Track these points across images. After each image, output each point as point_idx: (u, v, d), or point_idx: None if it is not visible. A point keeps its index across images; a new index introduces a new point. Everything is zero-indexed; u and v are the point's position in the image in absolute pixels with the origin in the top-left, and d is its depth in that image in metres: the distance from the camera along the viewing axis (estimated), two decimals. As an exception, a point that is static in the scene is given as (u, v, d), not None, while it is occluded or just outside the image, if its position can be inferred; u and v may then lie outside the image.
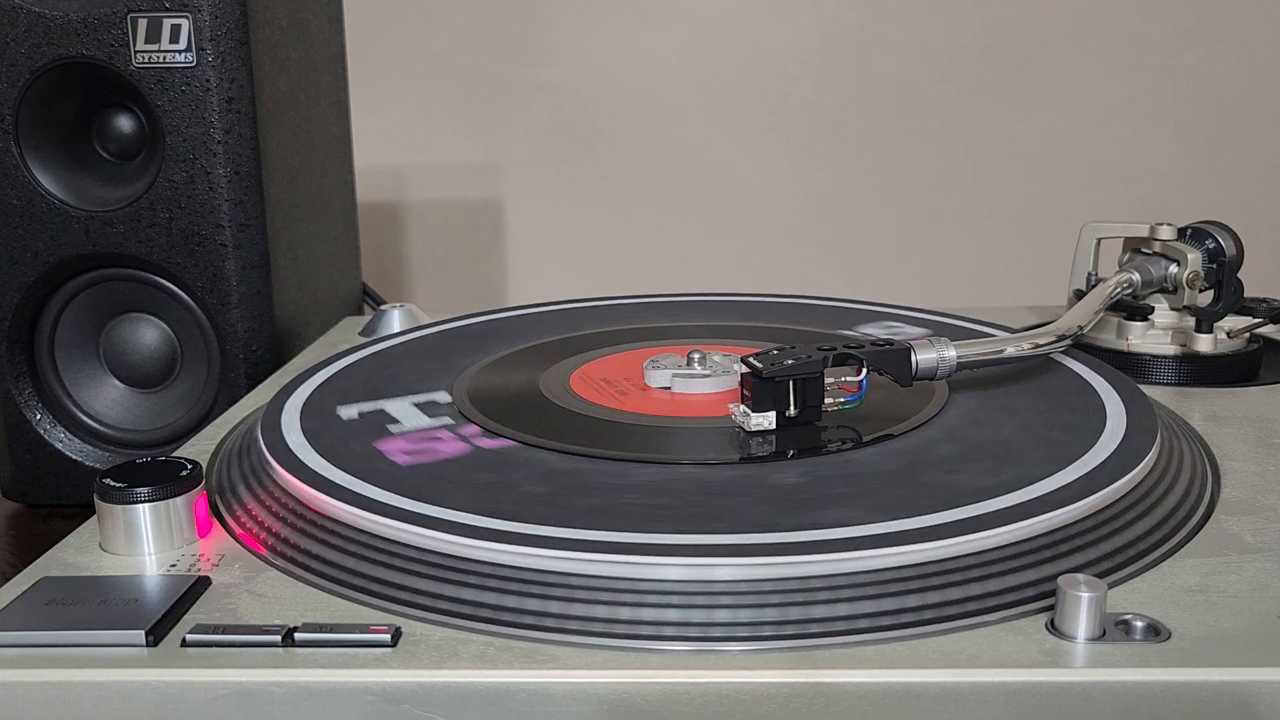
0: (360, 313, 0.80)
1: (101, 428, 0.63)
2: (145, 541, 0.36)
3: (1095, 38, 0.99)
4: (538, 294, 1.02)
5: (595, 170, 1.03)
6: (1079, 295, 0.59)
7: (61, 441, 0.63)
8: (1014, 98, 1.00)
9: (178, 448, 0.48)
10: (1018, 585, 0.31)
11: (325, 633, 0.30)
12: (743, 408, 0.42)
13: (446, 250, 1.06)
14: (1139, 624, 0.30)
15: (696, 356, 0.49)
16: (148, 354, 0.63)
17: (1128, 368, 0.53)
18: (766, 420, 0.42)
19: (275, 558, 0.35)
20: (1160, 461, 0.39)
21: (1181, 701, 0.27)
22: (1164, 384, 0.53)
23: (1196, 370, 0.54)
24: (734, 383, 0.47)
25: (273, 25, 0.62)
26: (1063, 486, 0.35)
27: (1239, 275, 0.55)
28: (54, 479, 0.63)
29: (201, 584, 0.33)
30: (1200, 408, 0.49)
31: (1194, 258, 0.54)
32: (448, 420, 0.45)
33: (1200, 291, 0.55)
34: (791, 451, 0.40)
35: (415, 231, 1.06)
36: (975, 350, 0.45)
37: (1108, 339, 0.56)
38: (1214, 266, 0.55)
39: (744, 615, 0.30)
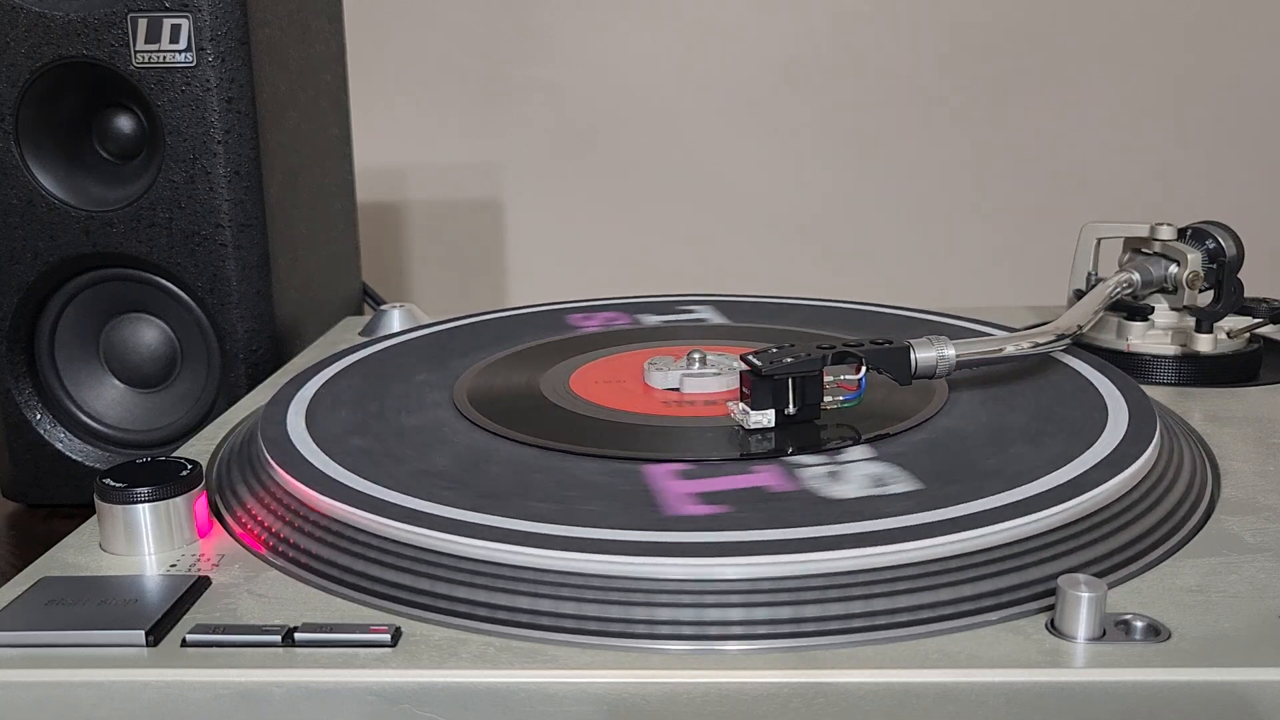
0: (360, 313, 0.80)
1: (101, 428, 0.63)
2: (145, 541, 0.36)
3: (1095, 38, 0.99)
4: (538, 294, 1.02)
5: (595, 170, 1.03)
6: (1079, 295, 0.59)
7: (61, 441, 0.63)
8: (1014, 98, 1.00)
9: (178, 448, 0.48)
10: (1018, 585, 0.31)
11: (325, 633, 0.30)
12: (742, 406, 0.42)
13: (446, 250, 1.06)
14: (1139, 624, 0.30)
15: (696, 356, 0.49)
16: (148, 354, 0.63)
17: (1128, 368, 0.53)
18: (766, 418, 0.42)
19: (275, 558, 0.35)
20: (1160, 461, 0.39)
21: (1181, 701, 0.27)
22: (1164, 384, 0.53)
23: (1196, 370, 0.54)
24: (733, 382, 0.47)
25: (273, 25, 0.62)
26: (1063, 486, 0.35)
27: (1239, 275, 0.55)
28: (54, 479, 0.63)
29: (201, 584, 0.33)
30: (1200, 408, 0.49)
31: (1194, 258, 0.54)
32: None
33: (1200, 291, 0.55)
34: (790, 450, 0.40)
35: (415, 231, 1.06)
36: (975, 349, 0.45)
37: (1108, 339, 0.56)
38: (1214, 266, 0.55)
39: (744, 614, 0.30)
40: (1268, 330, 0.57)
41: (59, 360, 0.63)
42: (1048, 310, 0.68)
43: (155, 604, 0.32)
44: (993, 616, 0.30)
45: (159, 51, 0.57)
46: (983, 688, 0.28)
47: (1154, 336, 0.55)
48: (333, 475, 0.38)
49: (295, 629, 0.30)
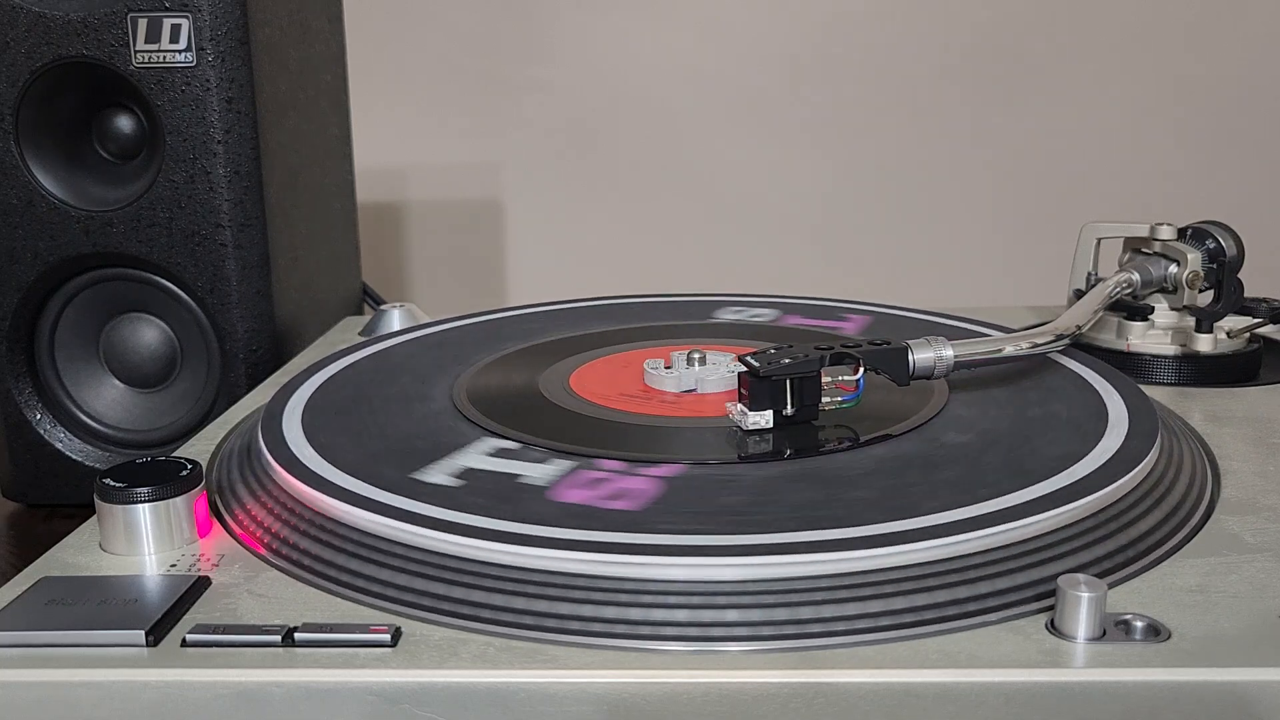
0: (360, 313, 0.80)
1: (101, 428, 0.63)
2: (145, 541, 0.36)
3: (1096, 38, 0.99)
4: (538, 294, 1.02)
5: (595, 170, 1.03)
6: (1079, 295, 0.59)
7: (61, 441, 0.63)
8: (1014, 98, 1.00)
9: (178, 448, 0.48)
10: (1018, 585, 0.31)
11: (325, 633, 0.30)
12: (740, 407, 0.42)
13: (446, 250, 1.06)
14: (1139, 624, 0.30)
15: (696, 356, 0.49)
16: (148, 354, 0.63)
17: (1128, 368, 0.53)
18: (764, 419, 0.42)
19: (275, 558, 0.35)
20: (1160, 461, 0.39)
21: (1181, 701, 0.27)
22: (1164, 384, 0.53)
23: (1196, 370, 0.54)
24: (732, 383, 0.47)
25: (273, 25, 0.62)
26: (1063, 486, 0.35)
27: (1239, 275, 0.55)
28: (54, 479, 0.63)
29: (201, 584, 0.33)
30: (1200, 408, 0.49)
31: (1194, 258, 0.54)
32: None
33: (1200, 291, 0.55)
34: (789, 451, 0.40)
35: (415, 231, 1.06)
36: (973, 349, 0.45)
37: (1108, 339, 0.56)
38: (1214, 266, 0.55)
39: (744, 615, 0.30)
40: (1268, 330, 0.57)
41: (59, 360, 0.63)
42: (1048, 310, 0.68)
43: (155, 604, 0.32)
44: (993, 617, 0.30)
45: (159, 51, 0.57)
46: (983, 688, 0.28)
47: (1154, 336, 0.55)
48: (332, 475, 0.38)
49: (295, 629, 0.30)
